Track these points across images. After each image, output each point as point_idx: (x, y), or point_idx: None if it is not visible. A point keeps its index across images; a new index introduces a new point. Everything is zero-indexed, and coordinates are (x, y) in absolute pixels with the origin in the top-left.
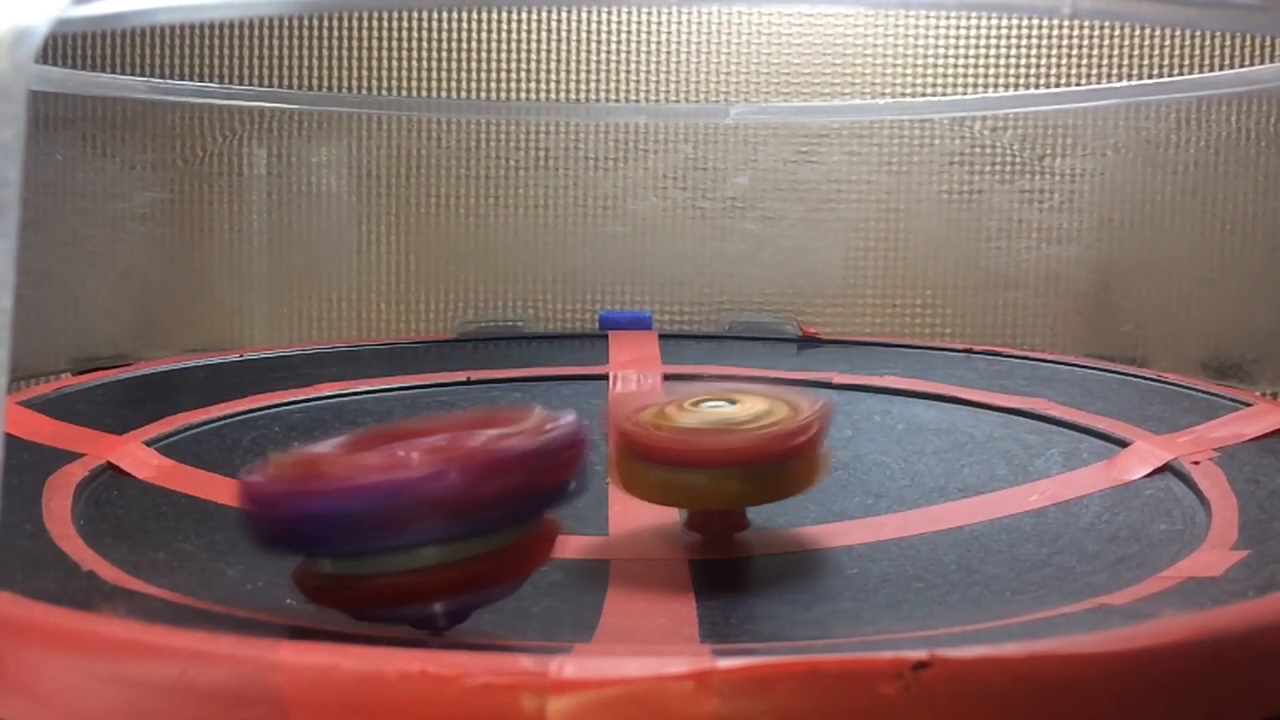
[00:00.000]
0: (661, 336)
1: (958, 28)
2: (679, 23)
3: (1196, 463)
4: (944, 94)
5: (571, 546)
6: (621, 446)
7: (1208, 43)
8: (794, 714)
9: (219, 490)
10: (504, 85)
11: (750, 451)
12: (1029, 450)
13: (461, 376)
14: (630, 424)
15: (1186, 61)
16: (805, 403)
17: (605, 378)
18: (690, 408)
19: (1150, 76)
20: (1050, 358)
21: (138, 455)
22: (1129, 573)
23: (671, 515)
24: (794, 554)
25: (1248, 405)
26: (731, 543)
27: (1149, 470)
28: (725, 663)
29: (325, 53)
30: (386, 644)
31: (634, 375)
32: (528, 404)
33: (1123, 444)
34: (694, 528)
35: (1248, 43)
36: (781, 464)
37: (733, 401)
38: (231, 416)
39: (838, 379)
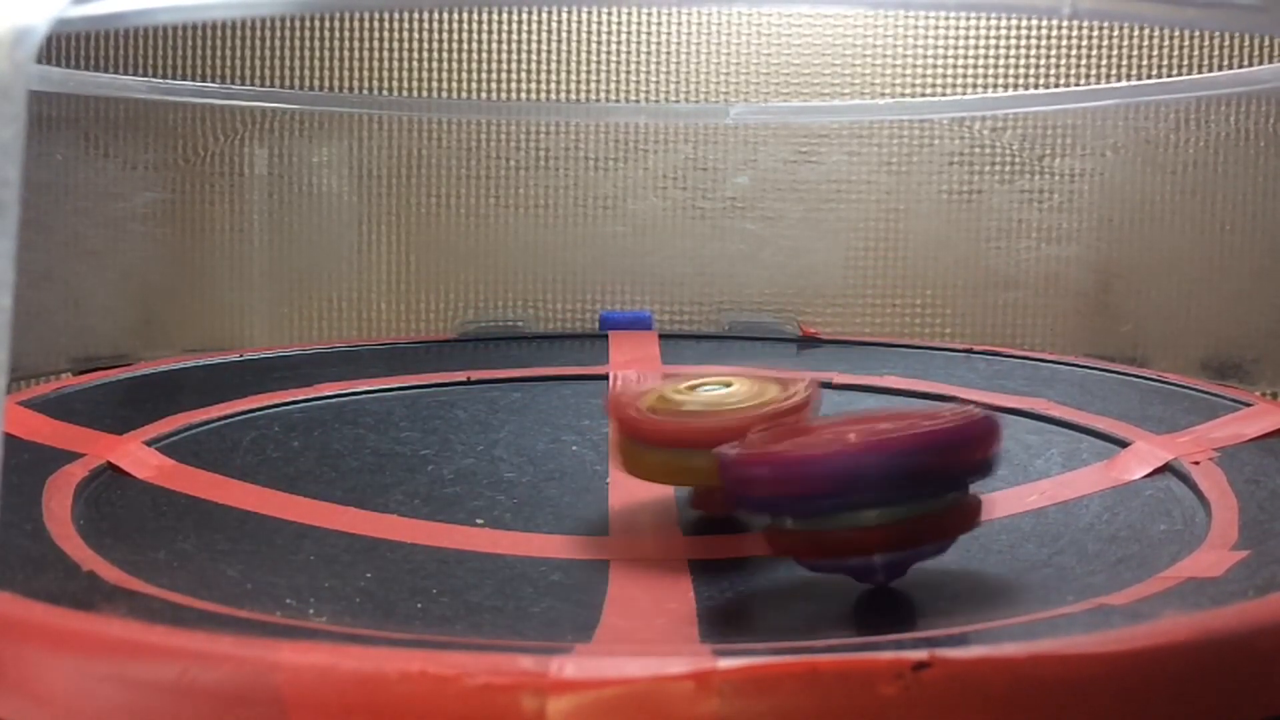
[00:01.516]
0: (661, 336)
1: (958, 28)
2: (679, 23)
3: (1196, 463)
4: (944, 94)
5: (571, 546)
6: (624, 431)
7: (1207, 43)
8: (794, 714)
9: (219, 490)
10: (504, 85)
11: (745, 430)
12: (1029, 450)
13: (461, 376)
14: (632, 410)
15: (1186, 61)
16: (795, 383)
17: (605, 378)
18: (687, 391)
19: (1150, 76)
20: (1050, 358)
21: (138, 455)
22: (1129, 573)
23: (671, 517)
24: None
25: (1248, 405)
26: (730, 528)
27: (1149, 470)
28: (725, 663)
29: (325, 53)
30: (386, 644)
31: (634, 375)
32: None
33: (1123, 444)
34: (696, 506)
35: (1248, 43)
36: None
37: (727, 384)
38: (231, 416)
39: (838, 379)
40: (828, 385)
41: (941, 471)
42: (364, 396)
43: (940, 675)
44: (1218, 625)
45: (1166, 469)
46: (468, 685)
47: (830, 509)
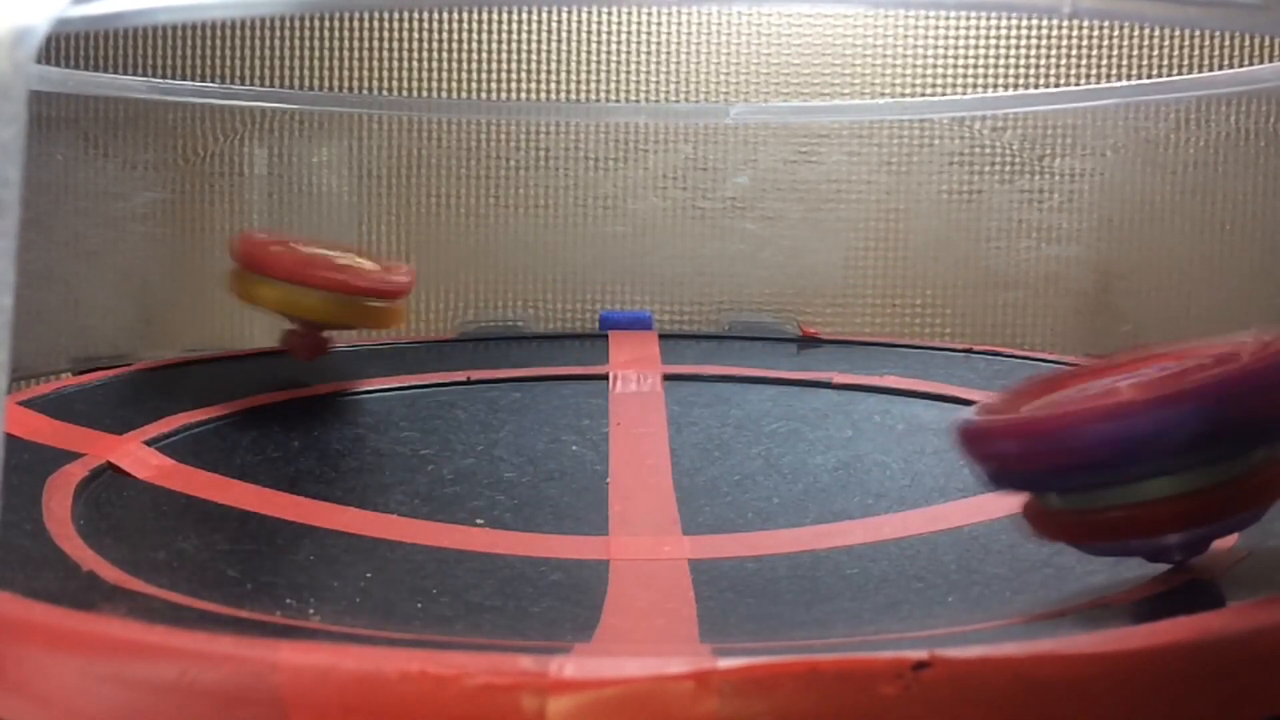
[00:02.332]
0: (661, 336)
1: (958, 28)
2: (679, 23)
3: None
4: (944, 94)
5: (571, 546)
6: (246, 263)
7: (1207, 43)
8: (794, 714)
9: (219, 490)
10: (504, 85)
11: (347, 280)
12: None
13: (461, 376)
14: (260, 247)
15: (1186, 61)
16: (399, 268)
17: (605, 378)
18: (305, 247)
19: (1150, 76)
20: (1050, 358)
21: (138, 455)
22: (1129, 573)
23: (673, 519)
24: (794, 554)
25: None
26: (319, 356)
27: None
28: (725, 663)
29: (325, 53)
30: (386, 644)
31: (634, 375)
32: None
33: None
34: (285, 345)
35: (1248, 43)
36: (366, 298)
37: (341, 251)
38: (231, 416)
39: (838, 379)
40: (828, 385)
41: (1251, 423)
42: (364, 396)
43: (940, 675)
44: (1218, 625)
45: None
46: (468, 685)
47: (1104, 482)
